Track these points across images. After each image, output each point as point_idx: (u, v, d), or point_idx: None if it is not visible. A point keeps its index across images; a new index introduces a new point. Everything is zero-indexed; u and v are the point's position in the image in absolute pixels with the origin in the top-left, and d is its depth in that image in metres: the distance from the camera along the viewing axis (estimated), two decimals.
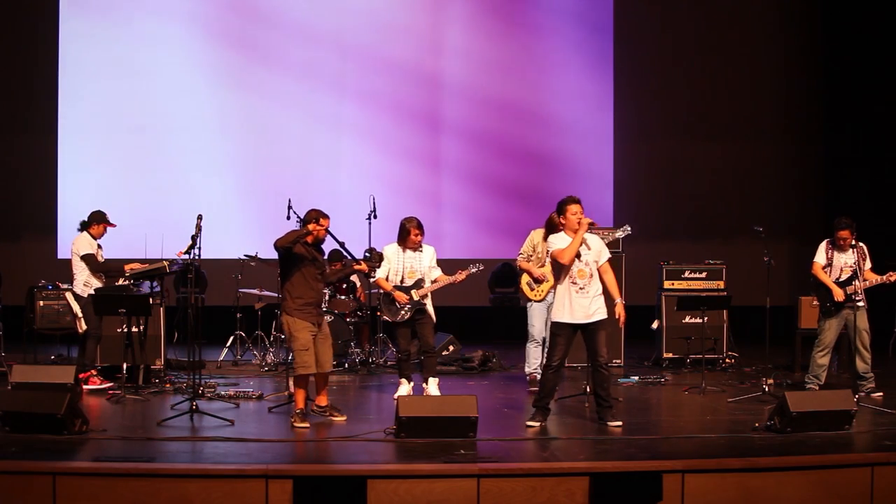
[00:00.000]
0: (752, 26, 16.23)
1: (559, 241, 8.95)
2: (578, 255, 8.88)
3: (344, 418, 9.14)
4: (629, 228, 11.13)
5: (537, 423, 8.95)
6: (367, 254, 9.94)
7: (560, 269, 8.93)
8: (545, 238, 10.36)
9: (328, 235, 9.13)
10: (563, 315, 8.91)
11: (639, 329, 12.77)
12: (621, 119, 15.94)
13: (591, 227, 9.04)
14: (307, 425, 8.83)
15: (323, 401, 9.25)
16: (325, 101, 15.48)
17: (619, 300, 9.10)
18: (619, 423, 8.94)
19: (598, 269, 8.99)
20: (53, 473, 7.21)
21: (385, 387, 11.20)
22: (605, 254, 9.12)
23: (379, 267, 10.12)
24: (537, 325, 10.78)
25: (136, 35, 15.20)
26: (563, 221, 9.05)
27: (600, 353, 8.95)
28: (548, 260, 10.32)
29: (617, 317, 9.05)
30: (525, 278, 10.77)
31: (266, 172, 15.30)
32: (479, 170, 15.69)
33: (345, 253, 9.57)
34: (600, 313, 8.94)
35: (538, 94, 15.82)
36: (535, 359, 10.83)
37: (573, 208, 8.97)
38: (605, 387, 9.04)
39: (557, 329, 8.95)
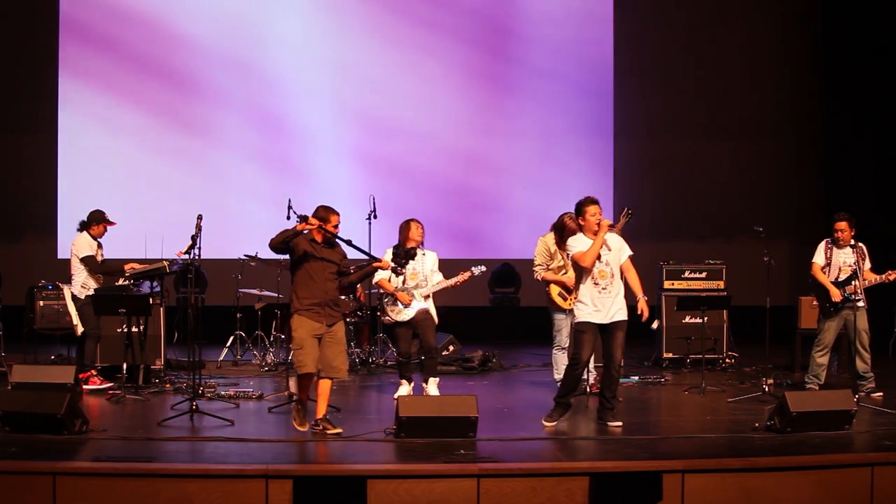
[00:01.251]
0: (753, 26, 16.21)
1: (579, 243, 8.98)
2: (598, 256, 8.91)
3: (339, 430, 8.57)
4: (630, 211, 10.92)
5: (554, 423, 8.96)
6: (395, 250, 9.33)
7: (582, 271, 8.96)
8: (558, 242, 10.29)
9: (327, 233, 8.62)
10: (589, 314, 8.94)
11: (639, 329, 12.76)
12: (621, 119, 15.93)
13: (611, 228, 9.06)
14: (306, 429, 8.63)
15: (319, 412, 8.68)
16: (327, 100, 15.47)
17: (641, 297, 9.11)
18: (620, 423, 8.94)
19: (620, 268, 9.04)
20: (53, 473, 7.21)
21: (385, 387, 11.19)
22: (626, 251, 9.16)
23: (406, 264, 9.44)
24: (564, 330, 10.36)
25: (137, 35, 15.19)
26: (581, 223, 9.06)
27: (615, 355, 8.99)
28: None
29: (639, 312, 9.06)
30: (556, 289, 10.36)
31: (266, 172, 15.29)
32: (478, 170, 15.68)
33: (360, 252, 9.06)
34: (620, 314, 8.99)
35: (539, 95, 15.81)
36: (563, 364, 10.69)
37: (592, 209, 9.00)
38: (613, 389, 9.07)
39: (583, 327, 8.96)
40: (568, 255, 9.18)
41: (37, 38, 15.27)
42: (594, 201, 9.06)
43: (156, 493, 7.17)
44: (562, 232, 10.12)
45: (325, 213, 8.66)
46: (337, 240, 8.74)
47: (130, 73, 15.15)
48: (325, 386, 8.70)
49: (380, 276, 10.06)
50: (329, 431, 8.53)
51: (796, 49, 16.31)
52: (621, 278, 9.10)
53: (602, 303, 8.92)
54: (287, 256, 8.77)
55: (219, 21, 15.28)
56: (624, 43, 15.88)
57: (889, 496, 7.65)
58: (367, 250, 9.14)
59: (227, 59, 15.28)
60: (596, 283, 8.92)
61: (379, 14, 15.56)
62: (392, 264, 9.11)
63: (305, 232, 8.64)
